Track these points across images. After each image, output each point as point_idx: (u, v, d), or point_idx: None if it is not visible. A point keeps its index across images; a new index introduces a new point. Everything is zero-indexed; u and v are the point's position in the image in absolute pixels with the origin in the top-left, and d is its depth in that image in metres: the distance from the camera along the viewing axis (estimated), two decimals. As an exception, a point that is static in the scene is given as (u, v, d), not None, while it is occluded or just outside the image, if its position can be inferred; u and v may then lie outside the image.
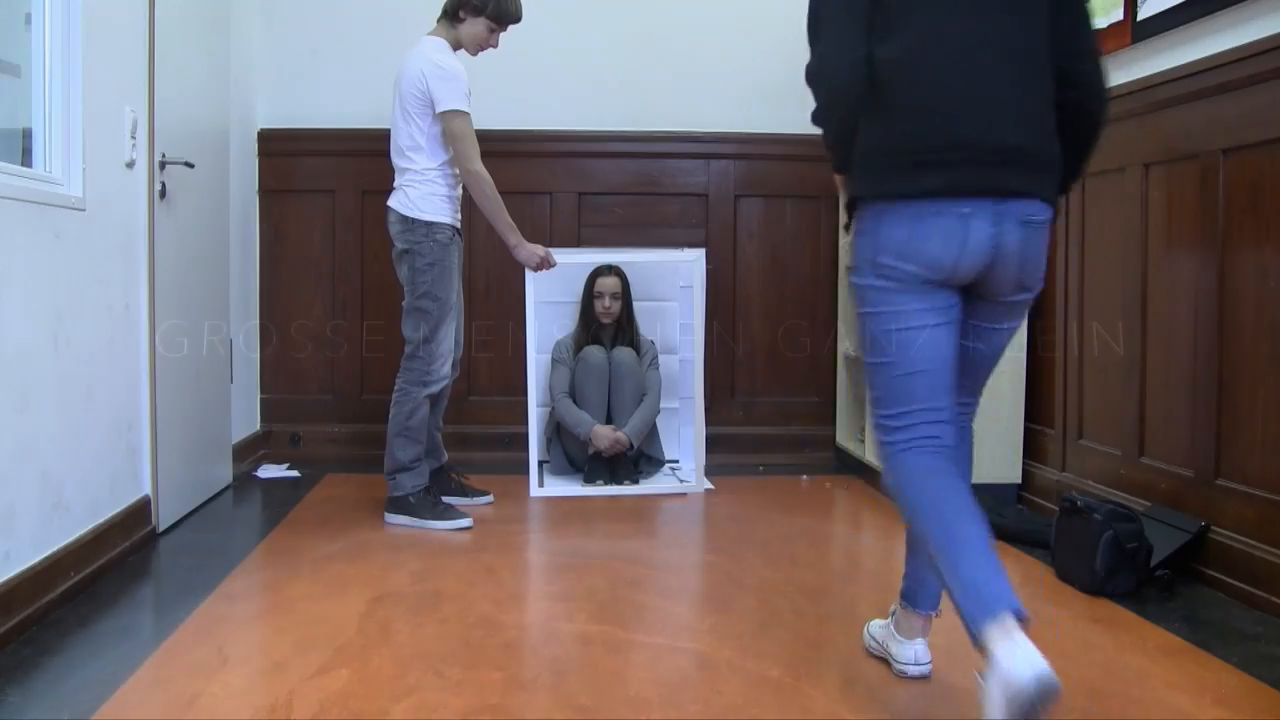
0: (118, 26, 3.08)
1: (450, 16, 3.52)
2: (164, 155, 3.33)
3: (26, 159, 2.77)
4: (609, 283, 4.24)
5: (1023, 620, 1.72)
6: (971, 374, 2.16)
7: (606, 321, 4.23)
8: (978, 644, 1.74)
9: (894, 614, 2.29)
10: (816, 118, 2.11)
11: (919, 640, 2.23)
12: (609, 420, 4.11)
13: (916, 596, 2.21)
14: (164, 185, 3.34)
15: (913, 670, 2.21)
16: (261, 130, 4.58)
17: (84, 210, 2.83)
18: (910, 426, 2.02)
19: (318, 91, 4.59)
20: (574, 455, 4.19)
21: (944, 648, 2.41)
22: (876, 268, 2.00)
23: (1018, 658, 1.66)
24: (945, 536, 1.87)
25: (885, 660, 2.29)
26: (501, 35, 3.59)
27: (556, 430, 4.22)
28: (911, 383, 2.02)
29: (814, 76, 2.08)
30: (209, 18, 3.82)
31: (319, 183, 4.61)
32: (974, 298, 2.04)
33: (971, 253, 1.95)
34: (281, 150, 4.59)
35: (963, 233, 1.94)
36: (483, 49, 3.58)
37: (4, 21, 2.83)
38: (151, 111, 3.27)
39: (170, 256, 3.39)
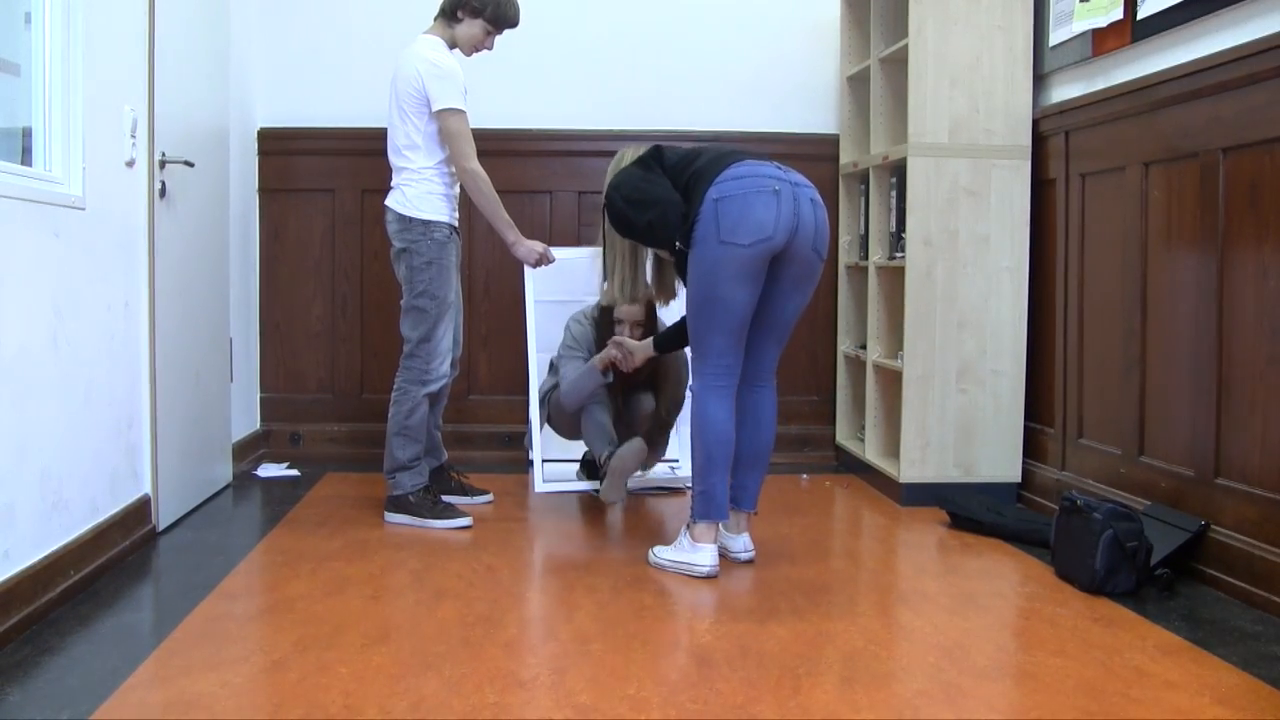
0: (118, 26, 3.08)
1: (448, 15, 3.52)
2: (164, 154, 3.33)
3: (26, 158, 2.76)
4: (632, 310, 3.64)
5: (724, 521, 2.96)
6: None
7: (627, 333, 3.69)
8: (691, 523, 2.94)
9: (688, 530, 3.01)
10: (666, 237, 2.93)
11: (743, 536, 3.10)
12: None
13: (738, 499, 3.07)
14: (164, 184, 3.34)
15: (734, 558, 3.06)
16: (261, 129, 4.58)
17: (84, 209, 2.82)
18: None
19: (318, 91, 4.59)
20: (563, 428, 3.97)
21: (944, 648, 2.41)
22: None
23: (708, 553, 2.91)
24: (695, 457, 2.93)
25: (681, 574, 2.96)
26: (497, 39, 3.59)
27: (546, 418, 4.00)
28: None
29: (657, 227, 2.89)
30: (209, 18, 3.82)
31: (319, 182, 4.61)
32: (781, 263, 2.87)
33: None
34: (281, 149, 4.59)
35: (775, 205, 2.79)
36: (477, 50, 3.58)
37: (4, 21, 2.83)
38: (151, 111, 3.27)
39: (170, 256, 3.39)
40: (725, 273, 2.81)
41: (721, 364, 2.92)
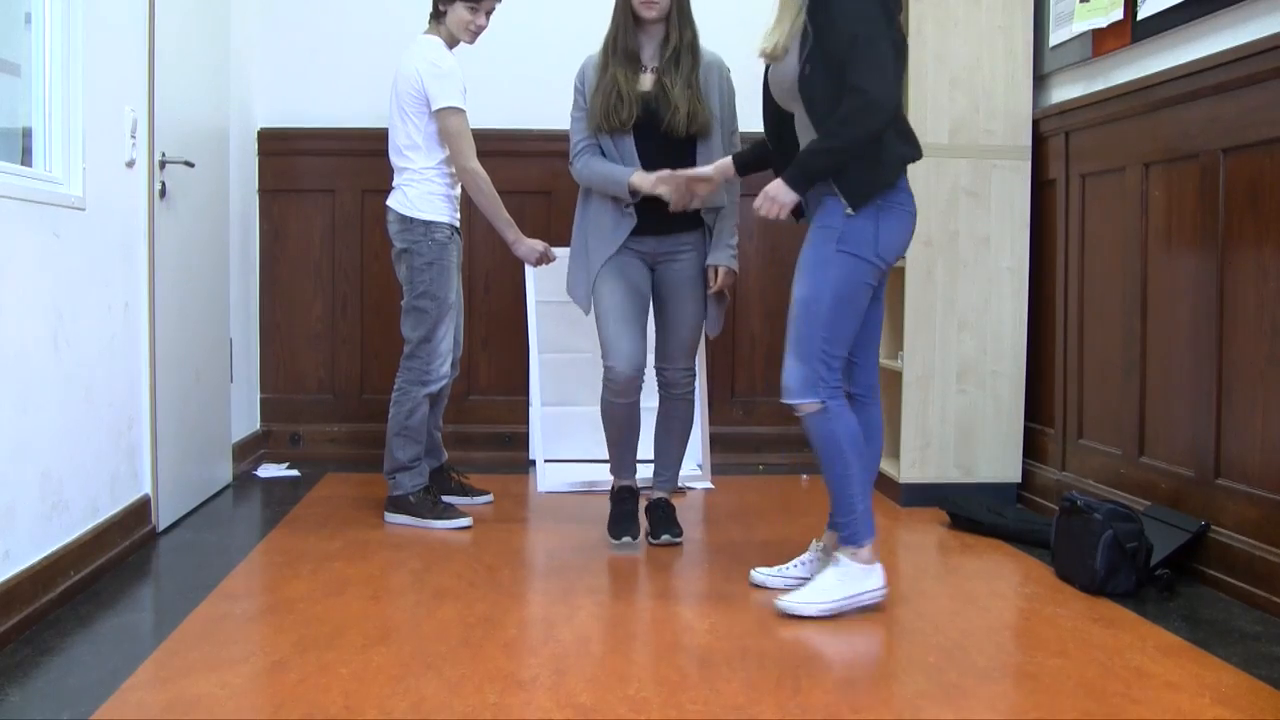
0: (118, 26, 3.08)
1: (435, 14, 3.51)
2: (164, 155, 3.33)
3: (26, 159, 2.76)
4: None
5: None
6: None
7: (650, 16, 2.99)
8: (854, 549, 2.63)
9: (832, 557, 2.70)
10: (863, 134, 2.53)
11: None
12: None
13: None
14: (164, 185, 3.34)
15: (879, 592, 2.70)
16: (261, 130, 4.58)
17: (84, 210, 2.82)
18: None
19: (318, 91, 4.58)
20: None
21: (944, 649, 2.41)
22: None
23: (880, 571, 2.64)
24: (852, 472, 2.65)
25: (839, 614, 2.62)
26: (492, 17, 3.51)
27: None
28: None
29: (881, 104, 2.50)
30: (209, 18, 3.82)
31: (319, 182, 4.61)
32: None
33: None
34: (281, 150, 4.59)
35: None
36: (476, 33, 3.53)
37: (4, 21, 2.83)
38: (151, 111, 3.27)
39: (170, 256, 3.39)
40: (868, 281, 2.65)
41: (839, 368, 2.69)
